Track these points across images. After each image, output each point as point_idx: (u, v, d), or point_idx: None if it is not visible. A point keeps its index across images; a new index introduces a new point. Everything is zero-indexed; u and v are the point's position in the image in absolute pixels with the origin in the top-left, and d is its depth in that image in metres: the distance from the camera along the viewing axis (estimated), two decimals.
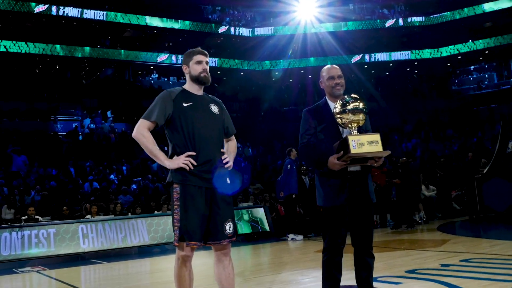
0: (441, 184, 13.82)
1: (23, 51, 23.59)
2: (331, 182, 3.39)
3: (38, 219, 9.92)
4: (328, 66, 3.56)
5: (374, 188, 3.57)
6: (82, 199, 13.24)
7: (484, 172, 11.59)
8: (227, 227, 3.18)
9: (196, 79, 3.32)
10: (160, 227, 10.31)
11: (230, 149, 3.47)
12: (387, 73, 31.60)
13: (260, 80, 30.28)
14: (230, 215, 3.23)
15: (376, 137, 3.14)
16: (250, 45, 29.54)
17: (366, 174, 3.43)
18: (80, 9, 24.92)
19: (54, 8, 24.20)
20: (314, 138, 3.45)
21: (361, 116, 3.23)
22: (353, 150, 3.06)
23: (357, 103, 3.22)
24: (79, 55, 25.40)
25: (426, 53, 29.79)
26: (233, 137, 3.54)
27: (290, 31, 30.22)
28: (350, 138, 3.08)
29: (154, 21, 27.20)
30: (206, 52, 3.38)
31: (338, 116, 3.25)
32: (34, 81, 24.45)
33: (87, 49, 25.59)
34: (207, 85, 3.36)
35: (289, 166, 10.50)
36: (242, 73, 29.87)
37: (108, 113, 23.92)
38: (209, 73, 3.35)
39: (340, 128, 3.39)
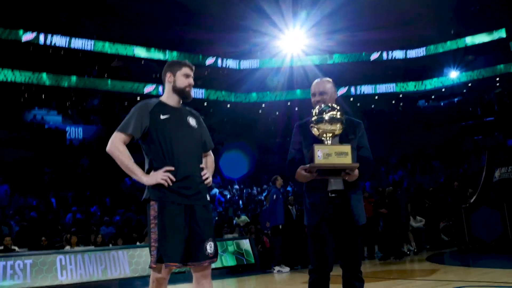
0: (429, 215, 13.71)
1: (9, 79, 23.41)
2: (311, 200, 3.27)
3: (14, 249, 9.56)
4: (317, 80, 3.43)
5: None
6: (63, 230, 12.87)
7: (472, 201, 11.49)
8: (208, 247, 2.99)
9: (180, 92, 3.16)
10: (142, 258, 9.98)
11: (208, 164, 3.32)
12: (373, 106, 31.85)
13: (247, 112, 30.27)
14: (211, 234, 3.04)
15: (346, 148, 3.00)
16: (237, 77, 29.77)
17: (350, 193, 3.23)
18: (68, 38, 24.93)
19: (42, 37, 24.26)
20: (299, 154, 3.32)
21: (338, 126, 3.08)
22: (317, 161, 2.93)
23: (334, 112, 3.07)
24: (66, 85, 25.25)
25: (411, 86, 30.19)
26: (211, 152, 3.40)
27: (277, 64, 30.67)
28: (316, 148, 2.95)
29: (142, 52, 27.39)
30: (193, 67, 3.25)
31: (314, 125, 3.10)
32: (19, 109, 24.12)
33: (74, 78, 25.46)
34: (188, 101, 3.21)
35: (274, 196, 10.29)
36: (229, 105, 29.91)
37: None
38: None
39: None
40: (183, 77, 3.15)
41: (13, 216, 13.49)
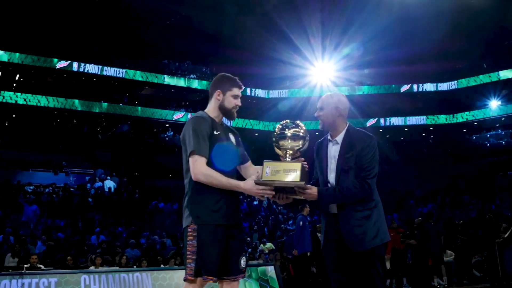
0: (460, 249, 13.25)
1: (42, 104, 24.07)
2: (321, 223, 3.36)
3: (40, 268, 9.60)
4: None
5: (372, 234, 3.08)
6: (88, 251, 12.92)
7: (506, 236, 11.10)
8: (242, 262, 3.03)
9: (227, 112, 3.17)
10: (165, 281, 9.86)
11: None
12: (402, 138, 31.47)
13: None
14: (244, 249, 3.13)
15: (297, 166, 2.89)
16: (266, 107, 29.92)
17: (343, 216, 3.10)
18: (100, 66, 25.58)
19: (75, 65, 24.90)
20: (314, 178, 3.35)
21: (300, 143, 2.99)
22: (264, 177, 2.86)
23: (297, 129, 3.00)
24: (97, 110, 25.84)
25: (442, 119, 29.79)
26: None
27: (306, 94, 30.70)
28: (265, 164, 2.89)
29: (172, 80, 27.79)
30: (243, 87, 3.25)
31: (275, 142, 3.02)
32: (50, 134, 24.71)
33: (105, 104, 26.02)
34: (231, 120, 3.24)
35: (301, 222, 10.15)
36: (257, 134, 29.97)
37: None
38: None
39: (328, 159, 3.20)
40: (232, 98, 3.17)
41: (41, 236, 13.63)
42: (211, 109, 3.18)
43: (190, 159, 2.96)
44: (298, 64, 29.57)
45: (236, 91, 3.16)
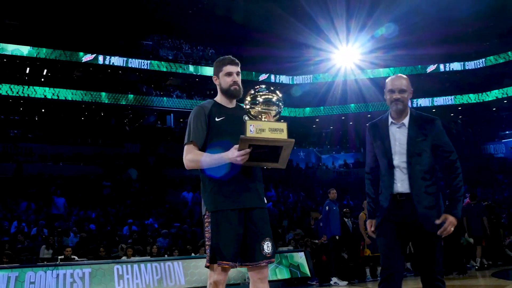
0: (492, 230, 12.95)
1: (70, 99, 24.48)
2: (378, 199, 3.28)
3: (74, 259, 9.79)
4: (393, 76, 3.33)
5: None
6: (120, 241, 13.11)
7: None
8: (265, 247, 2.92)
9: (227, 92, 3.11)
10: (197, 270, 9.98)
11: None
12: None
13: (301, 127, 30.05)
14: (268, 233, 2.97)
15: (282, 125, 2.75)
16: (290, 92, 29.68)
17: (416, 197, 3.11)
18: (125, 59, 25.80)
19: (101, 58, 25.16)
20: (374, 160, 3.35)
21: (274, 108, 2.84)
22: (248, 134, 2.67)
23: (270, 96, 2.85)
24: (123, 103, 26.10)
25: (470, 98, 29.14)
26: None
27: (330, 78, 30.38)
28: (248, 123, 2.71)
29: (197, 70, 27.86)
30: (237, 61, 3.15)
31: (249, 107, 2.85)
32: (79, 127, 25.11)
33: (131, 96, 26.25)
34: (238, 98, 3.14)
35: (327, 207, 10.04)
36: (282, 120, 29.75)
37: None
38: (240, 86, 3.12)
39: (392, 142, 3.19)
40: (226, 77, 3.09)
41: (72, 228, 13.89)
42: (218, 96, 3.18)
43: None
44: (323, 48, 29.25)
45: (228, 68, 3.09)
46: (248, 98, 2.88)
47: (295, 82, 30.55)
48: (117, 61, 25.65)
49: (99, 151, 23.22)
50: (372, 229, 3.29)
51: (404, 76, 3.31)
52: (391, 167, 3.18)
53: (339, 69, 30.39)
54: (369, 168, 3.39)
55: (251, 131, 2.68)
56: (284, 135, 2.73)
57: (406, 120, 3.23)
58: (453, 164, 3.15)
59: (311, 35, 27.73)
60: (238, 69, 3.15)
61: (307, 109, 30.09)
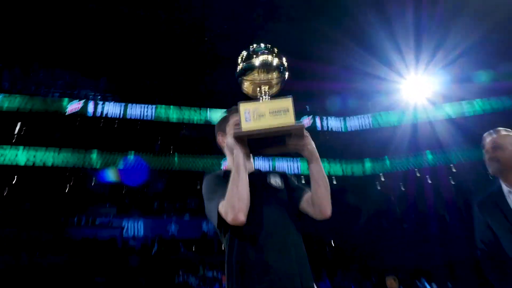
0: None
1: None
2: None
3: None
4: (485, 134, 2.99)
5: None
6: None
7: None
8: None
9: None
10: None
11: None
12: None
13: (360, 189, 22.89)
14: None
15: (286, 102, 2.07)
16: (343, 142, 23.14)
17: None
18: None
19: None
20: (488, 244, 2.76)
21: (274, 75, 2.13)
22: (245, 125, 2.11)
23: (268, 56, 2.05)
24: None
25: None
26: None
27: (395, 119, 23.70)
28: (242, 107, 2.07)
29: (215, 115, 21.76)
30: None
31: (243, 77, 2.16)
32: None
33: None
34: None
35: None
36: (335, 181, 22.95)
37: None
38: None
39: None
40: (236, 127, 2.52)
41: None
42: (228, 163, 2.61)
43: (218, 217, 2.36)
44: (384, 77, 22.30)
45: (236, 116, 2.38)
46: (240, 63, 2.17)
47: (348, 127, 23.84)
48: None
49: None
50: None
51: (507, 130, 2.94)
52: None
53: (406, 106, 23.70)
54: (487, 249, 2.81)
55: (246, 119, 2.16)
56: (290, 118, 2.14)
57: None
58: None
59: (371, 62, 20.82)
60: None
61: (367, 163, 23.12)
